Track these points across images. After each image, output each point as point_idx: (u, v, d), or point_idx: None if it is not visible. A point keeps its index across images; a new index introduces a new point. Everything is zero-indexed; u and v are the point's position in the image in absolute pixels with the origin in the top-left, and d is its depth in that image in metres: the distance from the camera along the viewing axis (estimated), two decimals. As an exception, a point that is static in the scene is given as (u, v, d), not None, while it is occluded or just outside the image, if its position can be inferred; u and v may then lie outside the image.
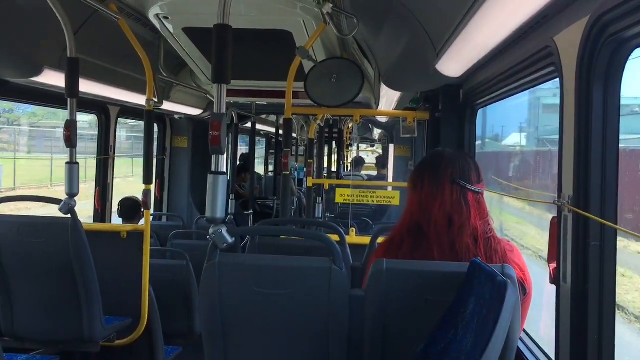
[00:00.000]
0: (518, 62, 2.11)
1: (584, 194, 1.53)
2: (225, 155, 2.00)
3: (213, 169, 1.97)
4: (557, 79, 1.93)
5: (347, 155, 12.16)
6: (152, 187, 3.82)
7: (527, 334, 2.40)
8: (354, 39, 3.99)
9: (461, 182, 1.90)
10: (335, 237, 2.54)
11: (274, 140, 12.15)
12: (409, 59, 2.96)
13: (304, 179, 9.37)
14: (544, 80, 2.05)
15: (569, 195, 1.59)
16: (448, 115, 3.27)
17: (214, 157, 1.97)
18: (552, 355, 2.03)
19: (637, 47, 1.46)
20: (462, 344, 1.73)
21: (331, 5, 2.97)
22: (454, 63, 2.62)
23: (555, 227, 1.72)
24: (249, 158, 7.65)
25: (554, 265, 1.74)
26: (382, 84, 3.87)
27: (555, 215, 1.73)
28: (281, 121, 9.07)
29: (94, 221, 4.95)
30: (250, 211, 6.47)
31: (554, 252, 1.72)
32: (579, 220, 1.55)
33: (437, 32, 2.51)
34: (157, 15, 3.54)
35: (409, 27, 2.73)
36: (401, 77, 3.30)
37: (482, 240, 1.87)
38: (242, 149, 10.48)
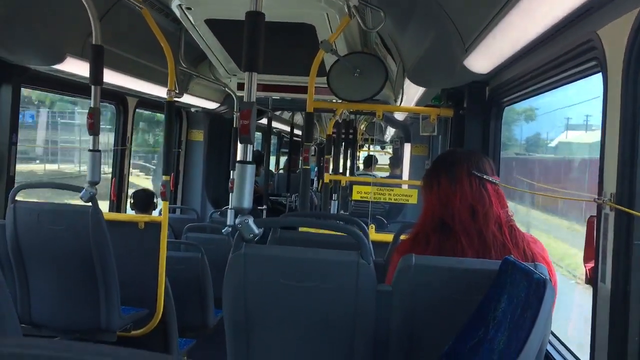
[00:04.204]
0: (554, 57, 2.06)
1: (628, 191, 1.49)
2: (253, 145, 1.98)
3: (240, 158, 1.95)
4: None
5: (359, 156, 12.14)
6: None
7: (554, 335, 2.36)
8: (377, 34, 3.95)
9: (478, 173, 1.93)
10: None
11: (285, 140, 12.13)
12: (435, 54, 2.91)
13: (315, 179, 9.35)
14: (581, 76, 2.00)
15: (611, 193, 1.55)
16: (472, 113, 3.23)
17: (242, 146, 1.95)
18: (583, 357, 1.98)
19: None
20: (493, 342, 1.69)
21: None
22: (483, 59, 2.57)
23: (592, 226, 1.68)
24: (261, 154, 7.63)
25: (590, 265, 1.69)
26: (404, 80, 3.82)
27: (594, 214, 1.69)
28: (295, 119, 9.05)
29: (109, 212, 4.94)
30: (264, 207, 6.45)
31: (591, 252, 1.68)
32: (622, 218, 1.51)
33: (467, 26, 2.47)
34: (179, 6, 3.53)
35: (437, 22, 2.68)
36: (427, 72, 3.26)
37: (506, 227, 1.90)
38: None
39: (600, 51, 1.64)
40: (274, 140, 12.49)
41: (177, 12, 3.67)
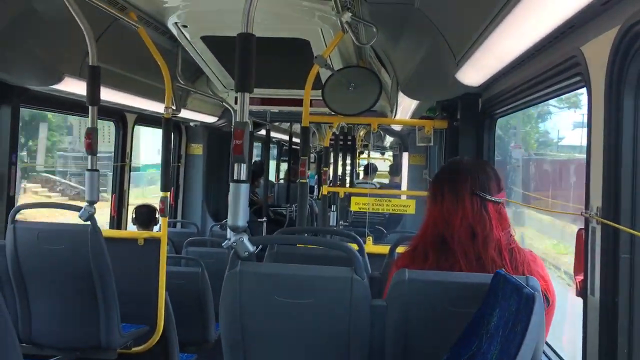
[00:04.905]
0: (541, 71, 2.10)
1: (614, 206, 1.51)
2: (251, 160, 2.00)
3: (235, 177, 1.96)
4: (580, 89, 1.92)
5: (358, 163, 12.14)
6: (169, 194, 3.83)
7: (550, 347, 2.37)
8: (372, 48, 3.99)
9: (480, 193, 1.92)
10: (353, 246, 2.53)
11: (285, 148, 12.14)
12: (428, 67, 2.95)
13: (315, 187, 9.36)
14: (569, 90, 2.03)
15: (597, 207, 1.57)
16: (466, 124, 3.26)
17: (236, 165, 1.96)
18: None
19: (669, 58, 1.45)
20: (486, 356, 1.71)
21: (350, 14, 2.97)
22: (474, 72, 2.60)
23: (582, 239, 1.70)
24: (262, 164, 7.65)
25: (580, 277, 1.71)
26: (400, 92, 3.86)
27: (582, 227, 1.71)
28: (294, 129, 9.09)
29: (110, 228, 4.97)
30: (264, 218, 6.46)
31: (581, 265, 1.70)
32: (609, 232, 1.53)
33: (458, 41, 2.50)
34: (175, 24, 3.58)
35: (429, 36, 2.72)
36: (420, 85, 3.29)
37: (506, 251, 1.88)
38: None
39: (583, 67, 1.67)
40: (273, 148, 12.50)
41: (174, 30, 3.71)
